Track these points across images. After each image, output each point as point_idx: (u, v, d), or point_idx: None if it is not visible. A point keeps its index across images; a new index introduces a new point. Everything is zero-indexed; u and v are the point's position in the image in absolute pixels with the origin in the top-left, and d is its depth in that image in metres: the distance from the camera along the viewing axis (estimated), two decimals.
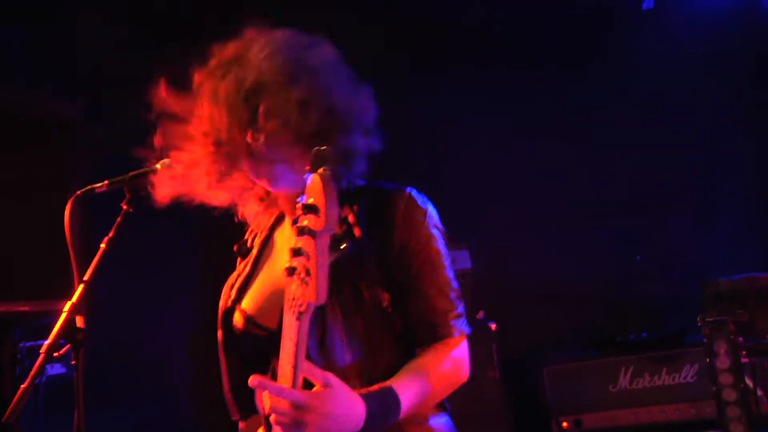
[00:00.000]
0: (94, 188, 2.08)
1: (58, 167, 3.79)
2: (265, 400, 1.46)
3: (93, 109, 4.03)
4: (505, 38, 4.13)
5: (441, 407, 1.74)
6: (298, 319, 1.41)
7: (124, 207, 2.09)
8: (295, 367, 1.41)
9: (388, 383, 1.56)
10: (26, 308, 3.43)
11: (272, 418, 1.43)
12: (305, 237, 1.38)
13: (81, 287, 2.06)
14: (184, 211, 4.06)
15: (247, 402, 1.82)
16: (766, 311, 3.41)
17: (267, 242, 1.92)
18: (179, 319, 4.05)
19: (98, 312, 2.30)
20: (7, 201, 3.70)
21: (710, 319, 3.24)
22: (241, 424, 1.90)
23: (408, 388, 1.58)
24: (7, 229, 3.63)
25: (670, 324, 3.78)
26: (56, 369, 2.77)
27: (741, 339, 3.23)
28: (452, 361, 1.67)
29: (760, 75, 3.86)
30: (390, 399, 1.54)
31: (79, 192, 2.07)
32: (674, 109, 4.06)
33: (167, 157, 1.92)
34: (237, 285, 1.90)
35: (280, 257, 1.82)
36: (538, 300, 4.04)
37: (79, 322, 2.05)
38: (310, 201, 1.39)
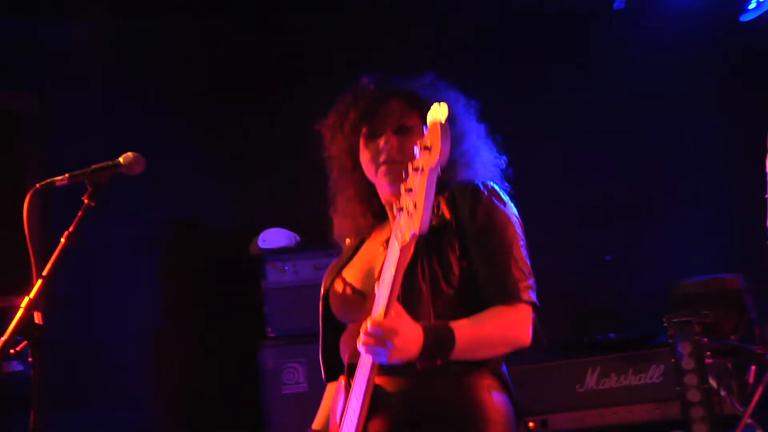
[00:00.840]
0: (54, 181, 2.06)
1: (16, 160, 3.76)
2: (363, 326, 1.69)
3: (49, 102, 3.98)
4: (477, 37, 4.13)
5: (506, 387, 1.91)
6: (402, 248, 1.62)
7: (86, 201, 2.08)
8: (391, 294, 1.65)
9: (449, 322, 1.77)
10: None
11: (362, 340, 1.67)
12: (417, 174, 1.58)
13: (39, 282, 2.04)
14: (145, 209, 4.03)
15: (335, 366, 2.04)
16: (730, 312, 3.45)
17: (361, 245, 2.13)
18: (141, 319, 4.02)
19: (58, 309, 2.27)
20: None
21: (676, 320, 3.28)
22: (328, 385, 2.12)
23: (465, 331, 1.76)
24: None
25: (637, 325, 3.81)
26: (13, 366, 2.73)
27: (706, 340, 3.27)
28: (514, 321, 1.84)
29: (727, 79, 3.89)
30: (445, 334, 1.74)
31: (38, 185, 2.05)
32: (643, 114, 4.10)
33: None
34: (340, 264, 2.12)
35: (377, 242, 2.03)
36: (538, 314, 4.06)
37: (37, 318, 2.03)
38: (427, 143, 1.59)
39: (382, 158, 2.00)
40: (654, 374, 3.58)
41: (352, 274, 2.05)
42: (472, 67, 4.07)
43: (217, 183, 4.06)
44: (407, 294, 1.83)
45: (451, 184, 1.95)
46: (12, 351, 2.02)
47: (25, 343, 2.03)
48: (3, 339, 1.98)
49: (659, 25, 3.92)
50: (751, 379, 3.44)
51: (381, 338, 1.65)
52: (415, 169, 1.59)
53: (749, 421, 3.37)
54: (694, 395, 3.22)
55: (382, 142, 2.01)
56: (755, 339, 3.45)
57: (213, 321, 4.05)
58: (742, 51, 3.78)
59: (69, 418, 3.48)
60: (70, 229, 2.05)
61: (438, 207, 1.94)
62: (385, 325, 1.65)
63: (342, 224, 2.16)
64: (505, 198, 2.00)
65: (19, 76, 3.96)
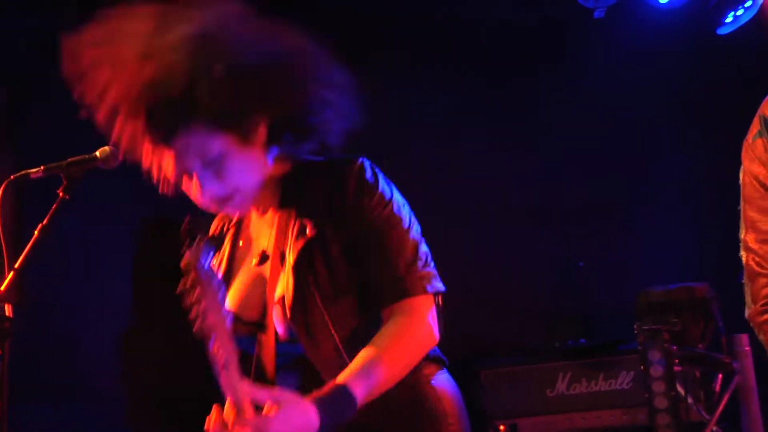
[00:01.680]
0: (29, 173, 2.06)
1: None
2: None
3: (23, 94, 3.95)
4: (459, 42, 4.15)
5: (440, 363, 1.82)
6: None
7: (60, 194, 2.08)
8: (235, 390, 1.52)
9: (341, 380, 1.60)
10: None
11: None
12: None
13: (11, 275, 2.04)
14: (121, 202, 4.01)
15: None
16: (698, 321, 3.48)
17: (237, 237, 1.94)
18: (114, 314, 4.00)
19: (31, 303, 2.26)
20: None
21: (645, 328, 3.30)
22: None
23: (365, 378, 1.61)
24: None
25: (608, 332, 3.83)
26: None
27: (674, 348, 3.30)
28: (412, 326, 1.70)
29: (703, 90, 3.94)
30: (342, 397, 1.58)
31: (12, 177, 2.05)
32: (619, 123, 4.12)
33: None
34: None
35: (254, 247, 1.86)
36: (478, 305, 4.06)
37: (8, 311, 2.02)
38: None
39: (208, 200, 1.77)
40: (623, 380, 3.62)
41: (235, 297, 1.84)
42: (451, 72, 4.08)
43: None
44: (305, 332, 1.71)
45: (318, 161, 1.78)
46: None
47: None
48: None
49: (638, 35, 3.94)
50: (717, 388, 3.48)
51: None
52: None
53: (714, 428, 3.42)
54: (661, 402, 3.25)
55: (195, 182, 1.75)
56: (722, 348, 3.49)
57: (186, 317, 4.03)
58: (718, 63, 3.82)
59: (36, 412, 3.46)
60: (44, 222, 2.06)
61: (315, 203, 1.75)
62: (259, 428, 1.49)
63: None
64: (376, 176, 1.78)
65: None
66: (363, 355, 1.64)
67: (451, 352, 3.83)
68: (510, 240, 4.17)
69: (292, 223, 1.77)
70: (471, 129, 4.20)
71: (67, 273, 3.69)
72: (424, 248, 1.77)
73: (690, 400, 3.39)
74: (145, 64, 1.65)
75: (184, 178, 1.77)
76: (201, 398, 4.11)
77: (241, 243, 1.92)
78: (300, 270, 1.71)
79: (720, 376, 3.48)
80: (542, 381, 3.70)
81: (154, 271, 4.05)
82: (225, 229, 1.99)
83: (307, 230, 1.72)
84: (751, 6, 3.68)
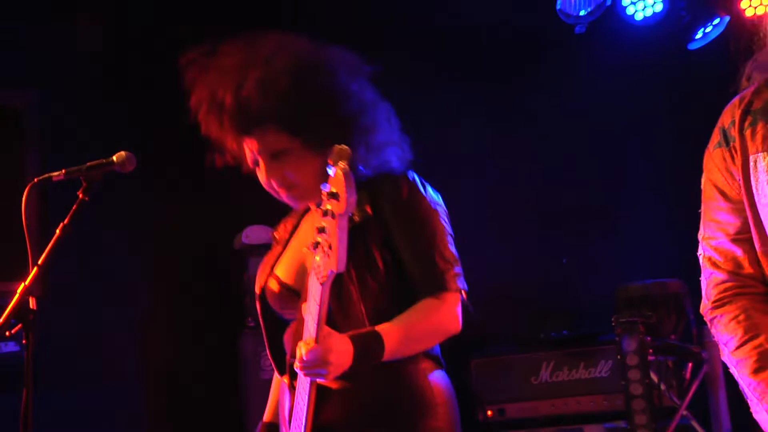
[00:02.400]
0: (51, 176, 2.06)
1: (15, 154, 3.72)
2: (297, 352, 1.69)
3: (47, 99, 3.95)
4: (444, 53, 4.14)
5: (438, 363, 1.89)
6: (322, 284, 1.62)
7: (80, 196, 2.09)
8: (318, 324, 1.65)
9: (376, 327, 1.75)
10: None
11: (298, 366, 1.69)
12: (328, 218, 1.57)
13: (35, 270, 2.05)
14: (138, 205, 4.00)
15: (282, 360, 1.99)
16: (671, 314, 3.50)
17: (296, 228, 2.07)
18: (132, 306, 4.01)
19: (53, 296, 2.27)
20: None
21: (622, 320, 3.33)
22: (274, 378, 2.10)
23: (393, 334, 1.74)
24: None
25: (588, 323, 3.84)
26: (9, 347, 2.73)
27: (649, 339, 3.32)
28: (443, 312, 1.83)
29: (675, 100, 3.95)
30: (373, 341, 1.72)
31: (36, 179, 2.05)
32: (598, 129, 4.13)
33: None
34: (271, 262, 2.04)
35: (305, 235, 1.97)
36: (470, 299, 4.07)
37: (32, 303, 2.03)
38: (333, 189, 1.57)
39: (274, 186, 1.94)
40: (602, 369, 3.63)
41: (284, 271, 1.99)
42: (436, 83, 4.07)
43: (208, 182, 4.03)
44: (336, 299, 1.81)
45: (368, 175, 1.89)
46: (8, 333, 2.03)
47: (20, 326, 2.04)
48: (0, 321, 2.00)
49: (617, 49, 3.95)
50: (687, 375, 3.50)
51: (315, 363, 1.66)
52: (325, 213, 1.57)
53: (684, 412, 3.44)
54: (636, 389, 3.27)
55: (262, 170, 1.93)
56: (693, 339, 3.51)
57: (199, 309, 4.05)
58: (689, 75, 3.83)
59: (58, 398, 3.47)
60: (65, 221, 2.07)
61: (360, 202, 1.83)
62: (318, 352, 1.65)
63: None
64: (425, 188, 1.93)
65: (20, 73, 3.92)
66: (400, 317, 1.78)
67: (446, 344, 3.87)
68: (500, 239, 4.17)
69: None
70: (462, 136, 4.21)
71: (86, 268, 3.69)
72: (454, 250, 1.90)
73: (663, 387, 3.41)
74: (237, 79, 1.88)
75: (256, 167, 1.95)
76: (210, 380, 4.13)
77: (299, 234, 2.05)
78: None
79: (690, 365, 3.50)
80: (528, 369, 3.71)
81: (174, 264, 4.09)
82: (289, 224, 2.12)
83: (355, 218, 1.82)
84: (718, 24, 3.72)
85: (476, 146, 4.18)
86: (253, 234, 3.83)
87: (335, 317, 1.80)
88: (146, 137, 3.73)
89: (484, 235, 4.15)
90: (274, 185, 1.93)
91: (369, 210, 1.85)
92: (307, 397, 1.75)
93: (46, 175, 2.09)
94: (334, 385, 1.81)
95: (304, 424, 1.76)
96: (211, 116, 1.94)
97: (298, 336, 1.80)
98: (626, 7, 3.74)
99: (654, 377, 3.34)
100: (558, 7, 3.76)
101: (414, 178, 1.92)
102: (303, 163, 1.89)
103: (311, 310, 1.68)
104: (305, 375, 1.71)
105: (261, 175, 1.95)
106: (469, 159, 4.15)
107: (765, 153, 1.45)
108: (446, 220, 1.92)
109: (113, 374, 3.88)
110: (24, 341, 2.06)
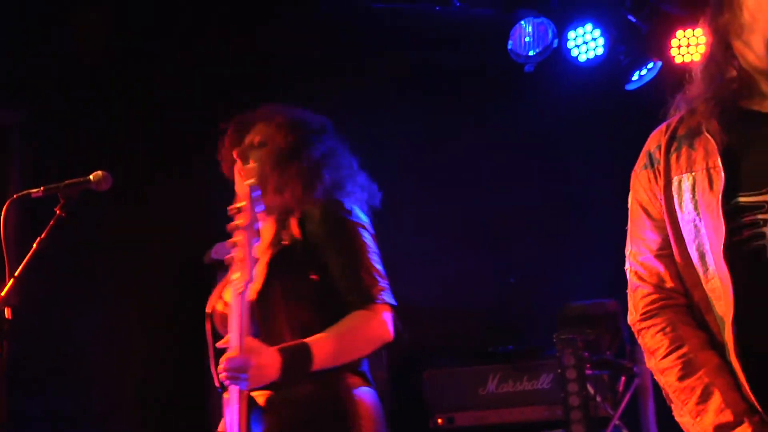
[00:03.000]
0: (30, 193, 2.07)
1: (2, 169, 3.67)
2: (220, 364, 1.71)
3: (31, 118, 3.89)
4: (393, 89, 4.15)
5: (366, 381, 1.87)
6: (239, 294, 1.64)
7: (57, 212, 2.08)
8: (240, 334, 1.66)
9: (306, 339, 1.74)
10: None
11: (222, 375, 1.69)
12: (240, 231, 1.61)
13: (11, 282, 2.03)
14: (113, 219, 3.93)
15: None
16: (607, 332, 3.55)
17: None
18: (104, 318, 3.95)
19: (28, 306, 2.23)
20: None
21: (563, 337, 3.37)
22: (224, 394, 2.02)
23: (322, 344, 1.74)
24: None
25: (532, 339, 3.87)
26: None
27: (586, 354, 3.36)
28: (372, 322, 1.81)
29: (615, 133, 3.99)
30: (302, 353, 1.71)
31: (15, 196, 2.05)
32: (547, 157, 4.18)
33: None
34: (223, 285, 1.99)
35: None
36: (424, 315, 4.07)
37: (7, 313, 2.01)
38: (240, 204, 1.62)
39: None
40: (544, 381, 3.65)
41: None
42: (390, 116, 4.05)
43: (179, 196, 3.99)
44: (265, 317, 1.81)
45: (303, 204, 1.91)
46: None
47: None
48: None
49: (563, 86, 4.00)
50: (620, 388, 3.56)
51: (236, 372, 1.66)
52: (237, 227, 1.61)
53: (617, 422, 3.49)
54: (574, 400, 3.30)
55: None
56: (626, 355, 3.56)
57: (170, 320, 4.00)
58: (626, 111, 3.89)
59: (32, 404, 3.40)
60: (42, 235, 2.06)
61: (288, 227, 1.89)
62: (237, 360, 1.65)
63: None
64: (349, 208, 1.94)
65: (5, 92, 3.87)
66: (330, 329, 1.77)
67: (400, 354, 3.87)
68: (451, 260, 4.19)
69: (274, 235, 1.92)
70: (417, 159, 4.21)
71: (60, 279, 3.63)
72: (381, 267, 1.90)
73: (598, 399, 3.45)
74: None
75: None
76: (180, 390, 4.05)
77: None
78: (270, 269, 1.82)
79: (623, 378, 3.55)
80: (476, 381, 3.72)
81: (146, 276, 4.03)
82: None
83: (282, 242, 1.85)
84: (652, 68, 3.84)
85: (430, 170, 4.20)
86: (221, 250, 3.79)
87: (261, 334, 1.79)
88: (122, 155, 3.69)
89: (438, 254, 4.18)
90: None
91: (298, 234, 1.86)
92: (237, 407, 1.72)
93: (25, 192, 2.09)
94: (261, 399, 1.79)
95: None
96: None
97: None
98: (571, 49, 3.81)
99: (590, 389, 3.38)
100: (509, 47, 3.82)
101: (341, 201, 1.93)
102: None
103: (233, 322, 1.68)
104: (227, 381, 1.70)
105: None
106: (423, 183, 4.16)
107: (688, 174, 1.48)
108: (372, 240, 1.92)
109: (84, 382, 3.81)
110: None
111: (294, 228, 1.88)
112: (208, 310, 2.04)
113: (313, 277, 1.84)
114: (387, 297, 1.85)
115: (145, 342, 3.97)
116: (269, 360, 1.67)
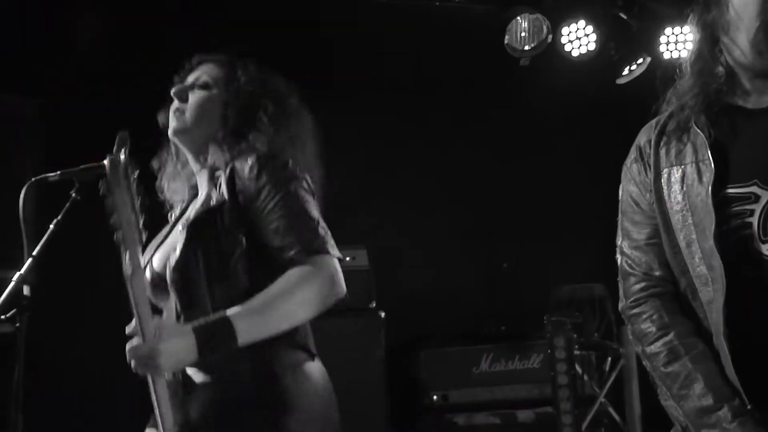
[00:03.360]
0: (47, 177, 2.05)
1: (17, 157, 3.67)
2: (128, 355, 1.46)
3: (47, 106, 3.89)
4: (402, 79, 4.15)
5: (308, 353, 1.60)
6: (126, 278, 1.40)
7: (73, 195, 2.09)
8: (140, 319, 1.42)
9: (225, 312, 1.45)
10: None
11: (132, 365, 1.43)
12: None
13: (29, 261, 2.04)
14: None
15: None
16: (595, 315, 3.57)
17: (182, 213, 1.83)
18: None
19: (45, 285, 2.25)
20: None
21: (553, 319, 3.40)
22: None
23: (246, 313, 1.45)
24: None
25: (523, 322, 3.88)
26: (4, 328, 2.69)
27: (575, 336, 3.38)
28: (312, 279, 1.49)
29: (605, 124, 4.00)
30: (221, 326, 1.43)
31: (33, 179, 2.05)
32: (538, 149, 4.18)
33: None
34: (154, 245, 1.76)
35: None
36: (421, 296, 4.09)
37: (26, 290, 2.03)
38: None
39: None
40: (534, 361, 3.69)
41: (158, 257, 1.70)
42: (391, 108, 4.06)
43: None
44: (185, 289, 1.57)
45: (228, 161, 1.63)
46: (3, 316, 2.03)
47: (14, 310, 2.03)
48: None
49: (556, 80, 3.99)
50: (606, 368, 3.59)
51: (142, 360, 1.41)
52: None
53: (603, 400, 3.52)
54: (563, 379, 3.33)
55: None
56: (613, 337, 3.58)
57: None
58: (617, 105, 3.88)
59: (45, 376, 3.42)
60: (58, 217, 2.07)
61: (217, 186, 1.62)
62: (140, 349, 1.41)
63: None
64: (279, 161, 1.62)
65: (21, 82, 3.86)
66: (258, 295, 1.48)
67: (399, 336, 3.88)
68: (450, 249, 4.20)
69: (205, 196, 1.68)
70: (418, 157, 4.20)
71: (77, 262, 3.64)
72: (323, 223, 1.59)
73: (585, 378, 3.48)
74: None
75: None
76: None
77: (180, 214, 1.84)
78: (190, 235, 1.58)
79: (609, 359, 3.58)
80: (470, 360, 3.75)
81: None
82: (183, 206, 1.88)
83: (211, 202, 1.61)
84: (641, 63, 3.87)
85: (429, 161, 4.20)
86: None
87: (182, 309, 1.57)
88: (134, 141, 3.68)
89: (438, 245, 4.18)
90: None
91: (226, 193, 1.59)
92: (159, 397, 1.46)
93: (42, 176, 2.09)
94: (196, 378, 1.56)
95: (159, 419, 1.47)
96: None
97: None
98: (564, 44, 3.83)
99: (578, 369, 3.41)
100: (506, 42, 3.83)
101: (271, 155, 1.62)
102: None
103: (133, 306, 1.42)
104: (140, 372, 1.44)
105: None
106: (423, 174, 4.17)
107: (677, 167, 1.50)
108: (306, 188, 1.61)
109: (97, 359, 3.80)
110: (17, 324, 2.06)
111: (222, 187, 1.60)
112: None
113: (245, 237, 1.55)
114: (330, 248, 1.53)
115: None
116: (181, 342, 1.41)
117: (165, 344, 1.41)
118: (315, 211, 1.58)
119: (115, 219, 1.42)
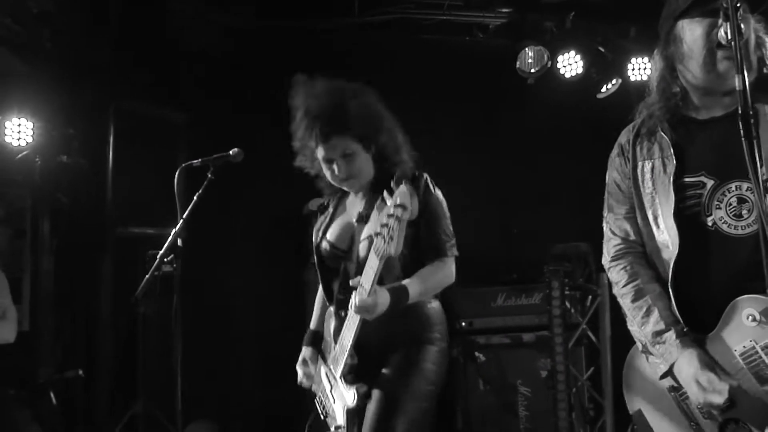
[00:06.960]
0: (192, 163, 2.18)
1: (173, 151, 3.82)
2: (353, 299, 1.68)
3: (192, 117, 3.96)
4: (441, 97, 4.05)
5: (436, 297, 1.87)
6: (379, 259, 1.59)
7: (209, 176, 2.17)
8: (372, 283, 1.63)
9: (403, 282, 1.73)
10: (151, 231, 3.52)
11: (354, 309, 1.66)
12: (393, 219, 1.54)
13: (181, 222, 2.13)
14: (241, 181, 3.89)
15: (331, 295, 1.93)
16: (581, 265, 3.53)
17: (339, 204, 1.99)
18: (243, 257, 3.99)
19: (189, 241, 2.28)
20: (142, 170, 3.73)
21: (550, 269, 3.37)
22: (330, 305, 1.97)
23: (414, 285, 1.73)
24: (142, 184, 3.64)
25: (529, 270, 3.82)
26: (166, 268, 2.80)
27: (566, 280, 3.33)
28: (445, 271, 1.81)
29: (591, 130, 3.86)
30: (401, 291, 1.71)
31: (183, 165, 2.15)
32: (540, 142, 4.08)
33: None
34: (321, 228, 1.96)
35: (349, 212, 1.92)
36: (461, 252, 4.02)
37: (180, 242, 2.12)
38: (399, 201, 1.54)
39: (340, 177, 1.87)
40: (536, 298, 3.62)
41: (333, 234, 1.92)
42: (431, 114, 3.93)
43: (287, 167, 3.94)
44: (385, 264, 1.71)
45: (392, 170, 1.78)
46: (166, 259, 2.12)
47: (172, 255, 2.12)
48: (161, 253, 2.09)
49: (553, 95, 3.89)
50: (588, 304, 3.53)
51: (365, 309, 1.64)
52: (390, 216, 1.53)
53: (584, 326, 3.46)
54: (556, 311, 3.31)
55: (335, 166, 1.85)
56: (593, 281, 3.52)
57: (279, 251, 4.01)
58: (597, 113, 3.80)
59: (194, 302, 3.52)
60: (199, 191, 2.15)
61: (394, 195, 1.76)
62: (368, 301, 1.64)
63: (324, 185, 2.00)
64: (434, 187, 1.89)
65: (175, 100, 3.93)
66: (418, 274, 1.76)
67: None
68: (476, 218, 4.12)
69: (378, 200, 1.83)
70: (449, 145, 4.14)
71: (211, 234, 3.65)
72: (450, 230, 1.87)
73: (572, 311, 3.43)
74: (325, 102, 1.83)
75: (326, 165, 1.87)
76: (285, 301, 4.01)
77: (340, 209, 1.98)
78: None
79: (590, 297, 3.52)
80: (489, 297, 3.72)
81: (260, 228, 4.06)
82: (330, 202, 2.04)
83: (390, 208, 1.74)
84: (615, 84, 3.85)
85: (458, 154, 4.15)
86: (315, 204, 3.81)
87: (382, 274, 1.72)
88: (253, 137, 3.70)
89: (468, 214, 4.11)
90: (341, 176, 1.85)
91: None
92: (354, 326, 1.70)
93: (188, 162, 2.20)
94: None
95: (350, 342, 1.72)
96: (303, 124, 1.85)
97: (342, 280, 1.81)
98: (560, 68, 3.81)
99: (568, 304, 3.36)
100: (517, 66, 3.82)
101: (427, 179, 1.86)
102: (361, 162, 1.86)
103: (368, 272, 1.63)
104: (357, 314, 1.67)
105: (329, 170, 1.87)
106: (453, 162, 4.10)
107: (648, 160, 1.51)
108: (445, 208, 1.88)
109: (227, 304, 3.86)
110: (174, 265, 2.14)
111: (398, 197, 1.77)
112: (314, 245, 1.96)
113: (411, 236, 1.75)
114: (455, 252, 1.85)
115: (266, 265, 4.05)
116: (384, 299, 1.66)
117: (381, 299, 1.66)
118: (445, 225, 1.87)
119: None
